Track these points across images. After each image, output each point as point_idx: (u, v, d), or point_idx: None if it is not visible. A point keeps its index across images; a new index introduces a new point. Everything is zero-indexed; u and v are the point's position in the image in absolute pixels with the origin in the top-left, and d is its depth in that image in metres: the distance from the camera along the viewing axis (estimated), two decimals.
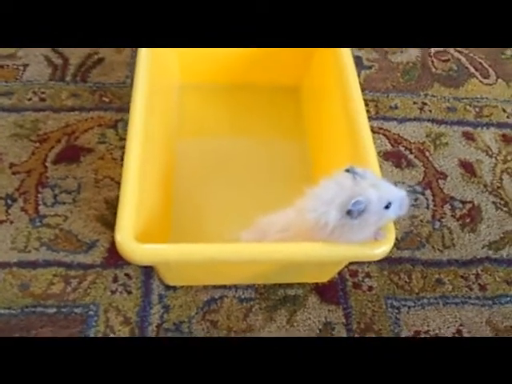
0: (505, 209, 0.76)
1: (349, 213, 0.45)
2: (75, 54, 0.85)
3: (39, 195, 0.70)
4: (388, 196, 0.47)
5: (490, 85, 0.91)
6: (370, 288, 0.67)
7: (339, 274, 0.67)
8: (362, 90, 0.64)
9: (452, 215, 0.74)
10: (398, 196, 0.48)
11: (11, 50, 0.85)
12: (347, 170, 0.47)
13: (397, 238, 0.70)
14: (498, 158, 0.81)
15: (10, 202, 0.69)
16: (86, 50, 0.86)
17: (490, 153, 0.82)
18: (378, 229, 0.49)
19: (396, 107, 0.86)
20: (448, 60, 0.94)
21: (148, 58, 0.61)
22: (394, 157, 0.79)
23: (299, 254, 0.49)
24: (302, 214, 0.48)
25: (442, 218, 0.74)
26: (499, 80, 0.92)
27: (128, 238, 0.47)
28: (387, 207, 0.47)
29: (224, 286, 0.65)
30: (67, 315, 0.61)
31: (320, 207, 0.46)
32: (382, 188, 0.47)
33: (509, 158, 0.82)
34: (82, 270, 0.64)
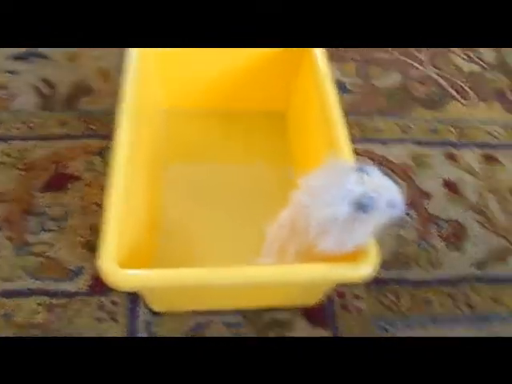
0: (489, 227, 0.77)
1: (360, 207, 0.46)
2: (64, 83, 0.87)
3: (25, 223, 0.70)
4: (395, 197, 0.49)
5: (471, 106, 0.93)
6: (359, 310, 0.66)
7: (327, 296, 0.67)
8: (347, 113, 0.65)
9: (438, 234, 0.75)
10: (400, 198, 0.50)
11: (1, 82, 0.86)
12: (358, 169, 0.48)
13: (383, 259, 0.70)
14: (480, 177, 0.83)
15: None
16: (75, 80, 0.88)
17: (473, 172, 0.83)
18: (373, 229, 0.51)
19: (380, 130, 0.87)
20: (429, 84, 0.96)
21: (133, 83, 0.62)
22: None
23: (280, 277, 0.49)
24: (306, 211, 0.48)
25: (428, 237, 0.74)
26: (480, 102, 0.94)
27: (111, 263, 0.47)
28: (392, 207, 0.49)
29: (211, 312, 0.64)
30: None
31: (332, 201, 0.47)
32: (391, 188, 0.49)
33: (491, 176, 0.83)
34: (66, 298, 0.64)
